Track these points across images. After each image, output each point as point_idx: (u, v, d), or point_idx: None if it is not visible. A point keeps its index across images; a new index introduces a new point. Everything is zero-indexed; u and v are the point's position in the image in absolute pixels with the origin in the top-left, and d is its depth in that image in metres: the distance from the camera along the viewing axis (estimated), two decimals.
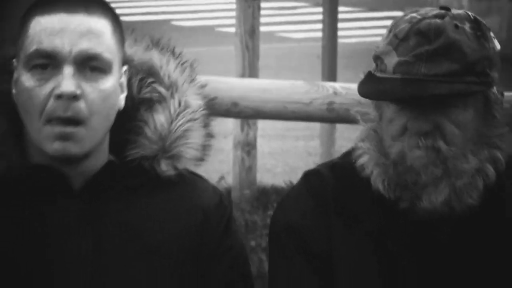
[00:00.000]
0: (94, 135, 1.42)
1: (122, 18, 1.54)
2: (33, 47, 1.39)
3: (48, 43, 1.38)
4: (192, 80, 1.57)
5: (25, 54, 1.41)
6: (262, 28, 8.41)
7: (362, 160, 1.55)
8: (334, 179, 1.59)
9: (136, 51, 1.55)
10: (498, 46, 1.56)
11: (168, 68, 1.54)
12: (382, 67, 1.53)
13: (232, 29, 8.18)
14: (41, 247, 1.41)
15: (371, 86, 1.54)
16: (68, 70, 1.37)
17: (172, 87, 1.52)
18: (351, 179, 1.59)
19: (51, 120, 1.38)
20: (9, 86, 1.45)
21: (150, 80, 1.53)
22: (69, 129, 1.37)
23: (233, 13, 7.90)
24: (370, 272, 1.54)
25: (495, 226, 1.55)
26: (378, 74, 1.54)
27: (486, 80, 1.52)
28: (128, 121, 1.51)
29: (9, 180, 1.42)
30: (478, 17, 1.55)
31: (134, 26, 1.65)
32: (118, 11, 1.52)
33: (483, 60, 1.50)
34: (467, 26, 1.51)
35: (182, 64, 1.58)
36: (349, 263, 1.55)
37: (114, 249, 1.45)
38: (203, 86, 1.58)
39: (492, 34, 1.56)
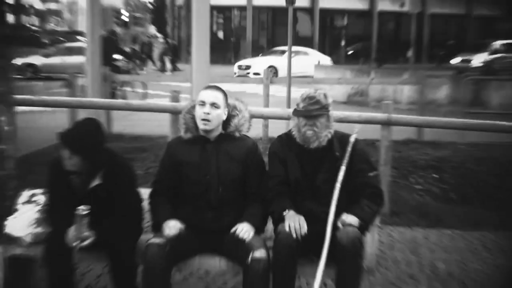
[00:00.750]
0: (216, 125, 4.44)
1: None
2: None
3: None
4: (246, 109, 4.66)
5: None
6: None
7: (293, 132, 4.48)
8: (285, 137, 4.57)
9: (230, 101, 4.59)
10: (330, 100, 4.47)
11: (239, 104, 4.62)
12: (298, 107, 4.42)
13: None
14: (202, 158, 4.42)
15: (296, 112, 4.44)
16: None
17: (240, 111, 4.58)
18: (290, 138, 4.51)
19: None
20: None
21: (235, 109, 4.58)
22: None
23: None
24: (295, 164, 4.46)
25: (332, 148, 4.46)
26: (297, 109, 4.42)
27: (327, 110, 4.41)
28: (227, 120, 4.51)
29: (191, 140, 4.49)
30: (325, 93, 4.49)
31: None
32: None
33: (327, 104, 4.44)
34: (322, 94, 4.44)
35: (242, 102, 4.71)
36: (290, 162, 4.47)
37: (222, 158, 4.43)
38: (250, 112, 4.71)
39: (328, 97, 4.46)
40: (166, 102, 7.96)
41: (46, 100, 7.80)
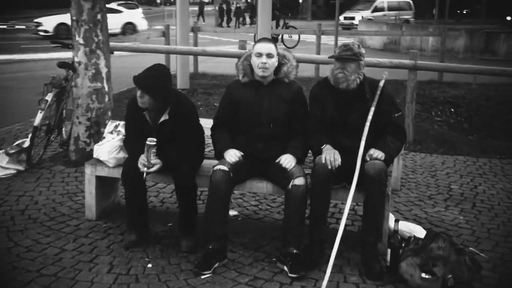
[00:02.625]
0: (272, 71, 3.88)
1: None
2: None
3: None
4: (293, 58, 4.01)
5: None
6: None
7: (329, 75, 3.87)
8: (323, 82, 3.95)
9: (281, 51, 3.97)
10: (363, 50, 3.83)
11: (287, 54, 3.98)
12: (334, 53, 3.85)
13: None
14: (256, 98, 3.89)
15: (331, 56, 3.91)
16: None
17: (288, 60, 3.96)
18: (327, 82, 3.89)
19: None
20: None
21: (284, 58, 3.94)
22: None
23: None
24: (331, 104, 3.87)
25: (363, 91, 3.83)
26: (334, 54, 3.85)
27: (361, 56, 3.79)
28: (278, 67, 3.91)
29: (248, 83, 3.94)
30: (359, 44, 3.88)
31: None
32: None
33: (359, 53, 3.79)
34: (356, 44, 3.80)
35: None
36: (326, 103, 3.88)
37: (273, 99, 3.87)
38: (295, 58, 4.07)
39: (361, 47, 3.84)
40: (235, 49, 7.41)
41: (140, 47, 7.31)
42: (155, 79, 3.72)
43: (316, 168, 3.63)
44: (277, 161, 3.80)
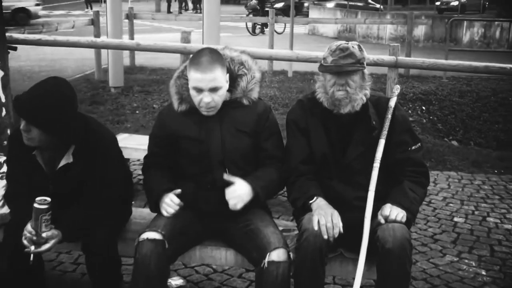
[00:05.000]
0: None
1: None
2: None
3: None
4: (256, 64, 2.74)
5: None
6: None
7: (318, 94, 2.64)
8: (307, 102, 2.72)
9: (235, 55, 2.74)
10: (365, 54, 2.62)
11: (246, 60, 2.72)
12: (325, 62, 2.57)
13: None
14: (202, 131, 2.62)
15: (323, 69, 2.59)
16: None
17: (249, 69, 2.69)
18: (314, 102, 2.67)
19: None
20: None
21: (241, 66, 2.69)
22: None
23: None
24: (321, 134, 2.65)
25: (366, 115, 2.62)
26: (324, 64, 2.58)
27: (363, 66, 2.57)
28: (231, 81, 2.63)
29: (188, 111, 2.65)
30: (359, 44, 2.64)
31: None
32: None
33: (363, 58, 2.56)
34: (356, 46, 2.58)
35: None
36: (313, 132, 2.66)
37: (227, 130, 2.60)
38: (261, 69, 2.79)
39: (363, 49, 2.61)
40: (176, 43, 6.06)
41: (56, 40, 5.84)
42: (47, 104, 2.36)
43: (305, 238, 2.40)
44: (226, 192, 2.53)
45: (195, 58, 2.54)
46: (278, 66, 10.60)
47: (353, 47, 2.56)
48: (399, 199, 2.50)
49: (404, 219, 2.43)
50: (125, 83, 8.92)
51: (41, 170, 2.51)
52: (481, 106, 8.90)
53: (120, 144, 4.28)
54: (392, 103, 2.67)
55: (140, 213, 3.06)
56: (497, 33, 15.35)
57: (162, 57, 11.88)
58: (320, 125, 2.65)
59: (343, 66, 2.52)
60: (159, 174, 2.69)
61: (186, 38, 6.16)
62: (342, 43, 2.59)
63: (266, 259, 2.41)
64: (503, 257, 3.74)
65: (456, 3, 25.52)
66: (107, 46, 6.62)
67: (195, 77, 2.50)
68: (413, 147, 2.66)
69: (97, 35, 9.23)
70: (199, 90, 2.52)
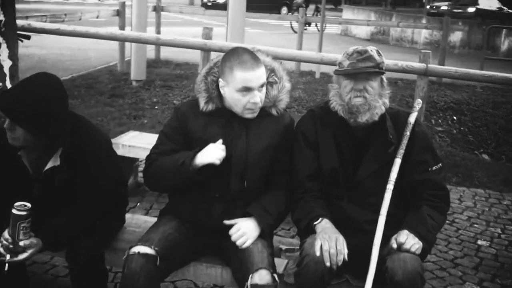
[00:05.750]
0: None
1: None
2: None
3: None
4: (286, 74, 2.53)
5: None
6: None
7: (333, 103, 2.39)
8: (319, 111, 2.50)
9: (266, 60, 2.49)
10: (384, 59, 2.40)
11: (279, 69, 2.51)
12: (341, 66, 2.37)
13: None
14: (226, 137, 2.38)
15: (339, 72, 2.38)
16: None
17: (280, 78, 2.49)
18: (327, 112, 2.44)
19: None
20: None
21: (272, 74, 2.48)
22: None
23: None
24: (331, 148, 2.42)
25: (383, 128, 2.39)
26: (341, 68, 2.37)
27: (382, 71, 2.35)
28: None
29: (213, 112, 2.44)
30: (377, 49, 2.41)
31: None
32: None
33: (382, 63, 2.34)
34: (375, 50, 2.37)
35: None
36: (323, 145, 2.44)
37: (252, 139, 2.41)
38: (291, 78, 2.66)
39: (382, 54, 2.39)
40: (197, 39, 5.88)
41: (67, 30, 5.71)
42: (32, 102, 2.19)
43: (306, 264, 2.18)
44: (230, 232, 2.38)
45: (236, 58, 2.35)
46: (306, 66, 10.35)
47: (371, 50, 2.35)
48: (416, 227, 2.26)
49: (419, 251, 2.20)
50: (147, 77, 8.80)
51: (27, 172, 2.35)
52: None
53: (128, 143, 4.20)
54: (412, 119, 2.43)
55: (137, 220, 2.90)
56: None
57: (188, 51, 11.74)
58: (331, 137, 2.43)
59: (361, 69, 2.30)
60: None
61: (207, 35, 5.98)
62: (358, 46, 2.40)
63: (249, 282, 2.21)
64: None
65: (445, 7, 24.35)
66: (126, 39, 6.47)
67: (243, 77, 2.32)
68: (434, 168, 2.42)
69: (122, 26, 9.12)
70: (248, 90, 2.34)
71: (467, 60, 12.59)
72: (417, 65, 5.43)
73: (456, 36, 16.06)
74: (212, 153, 2.30)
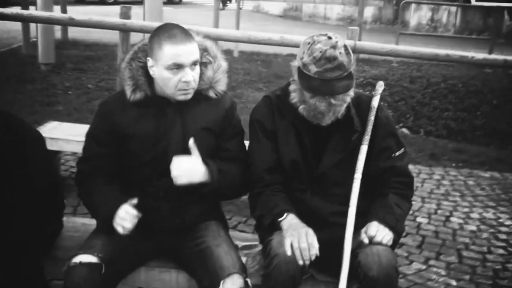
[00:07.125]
0: None
1: None
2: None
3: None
4: (220, 52, 2.33)
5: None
6: None
7: (294, 97, 2.22)
8: (276, 99, 2.31)
9: (197, 40, 2.21)
10: (353, 57, 2.16)
11: (212, 47, 2.31)
12: (306, 69, 2.11)
13: None
14: (160, 127, 2.20)
15: (305, 81, 2.13)
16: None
17: (214, 57, 2.29)
18: (284, 100, 2.26)
19: None
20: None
21: (205, 53, 2.28)
22: None
23: None
24: (291, 139, 2.25)
25: (346, 116, 2.23)
26: (306, 72, 2.11)
27: (353, 78, 2.13)
28: None
29: (142, 101, 2.21)
30: (346, 42, 2.14)
31: None
32: None
33: (352, 65, 2.12)
34: (343, 50, 2.09)
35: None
36: (283, 135, 2.27)
37: (189, 126, 2.21)
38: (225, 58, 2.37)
39: (350, 51, 2.13)
40: (114, 19, 5.52)
41: None
42: None
43: (275, 265, 2.04)
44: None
45: (165, 32, 2.13)
46: (223, 45, 10.14)
47: (340, 53, 2.09)
48: (384, 217, 2.18)
49: (390, 243, 2.13)
50: (56, 59, 8.26)
51: None
52: (431, 92, 8.80)
53: (50, 135, 3.83)
54: (375, 102, 2.35)
55: (73, 224, 2.63)
56: (444, 18, 15.44)
57: (97, 31, 11.19)
58: (290, 127, 2.28)
59: (332, 82, 2.08)
60: (101, 183, 2.25)
61: (125, 14, 5.62)
62: (326, 48, 2.08)
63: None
64: (472, 264, 3.53)
65: None
66: (35, 20, 5.96)
67: (172, 52, 2.10)
68: (397, 153, 2.34)
69: (25, 6, 8.48)
70: (179, 67, 2.12)
71: (380, 35, 12.85)
72: (346, 42, 5.41)
73: (368, 11, 16.42)
74: (118, 221, 2.09)
